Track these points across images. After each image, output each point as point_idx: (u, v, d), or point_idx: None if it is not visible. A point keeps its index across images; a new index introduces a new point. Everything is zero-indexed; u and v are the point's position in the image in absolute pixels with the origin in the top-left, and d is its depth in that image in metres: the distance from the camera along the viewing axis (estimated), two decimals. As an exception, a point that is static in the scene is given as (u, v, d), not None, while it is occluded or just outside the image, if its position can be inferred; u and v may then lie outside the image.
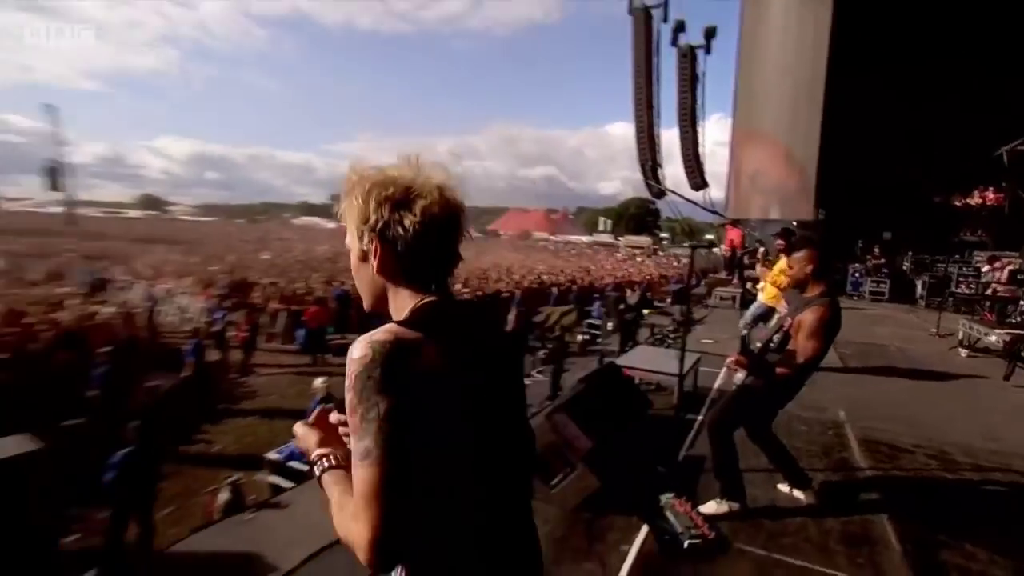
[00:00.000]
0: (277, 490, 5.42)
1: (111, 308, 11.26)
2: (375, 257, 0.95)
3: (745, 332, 5.93)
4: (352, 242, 1.00)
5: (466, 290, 17.18)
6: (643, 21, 16.04)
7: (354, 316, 12.33)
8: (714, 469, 3.06)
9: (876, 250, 15.08)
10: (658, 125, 17.02)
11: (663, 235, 69.95)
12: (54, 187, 43.87)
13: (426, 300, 0.95)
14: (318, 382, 6.81)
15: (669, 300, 13.95)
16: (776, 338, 3.01)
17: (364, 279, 1.02)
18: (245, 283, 16.50)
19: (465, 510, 0.92)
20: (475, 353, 0.96)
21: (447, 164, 1.00)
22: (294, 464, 5.70)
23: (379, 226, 0.93)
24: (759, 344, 3.13)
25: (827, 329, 2.81)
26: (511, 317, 12.90)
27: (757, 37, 17.03)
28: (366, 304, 1.04)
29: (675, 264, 37.11)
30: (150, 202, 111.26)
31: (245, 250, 28.34)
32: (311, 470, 0.98)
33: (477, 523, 0.95)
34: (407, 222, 0.91)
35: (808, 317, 2.80)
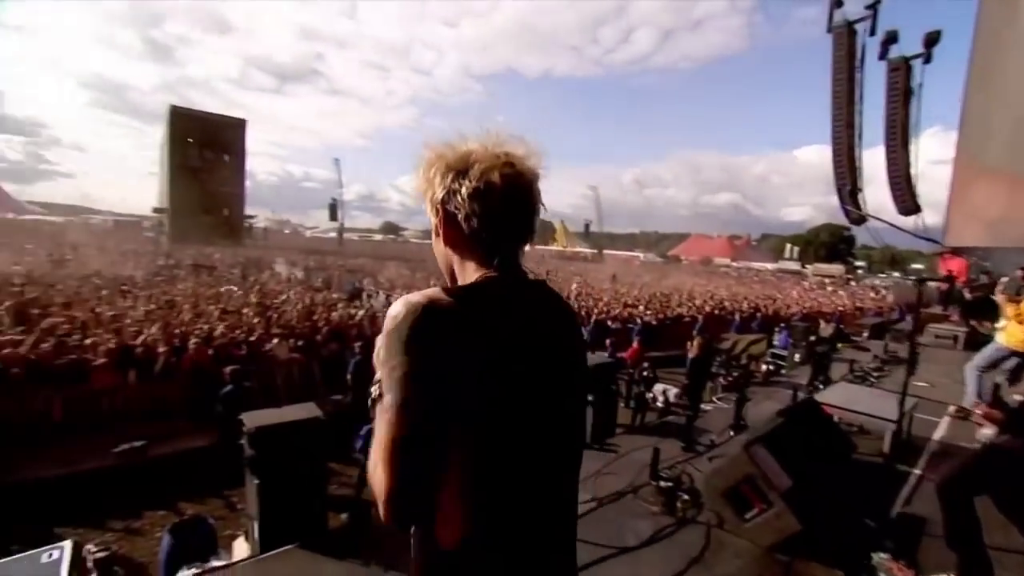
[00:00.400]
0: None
1: (362, 311, 13.74)
2: (441, 229, 0.91)
3: (975, 378, 4.73)
4: (430, 218, 0.93)
5: (648, 312, 16.74)
6: (846, 37, 14.01)
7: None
8: (946, 537, 2.46)
9: None
10: (859, 146, 14.63)
11: (858, 264, 58.78)
12: (332, 218, 55.09)
13: (484, 275, 0.87)
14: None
15: (866, 334, 11.64)
16: None
17: (439, 255, 0.96)
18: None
19: (480, 489, 0.82)
20: (516, 335, 0.84)
21: (527, 144, 0.90)
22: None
23: (442, 197, 0.87)
24: (1020, 397, 2.51)
25: None
26: (694, 342, 12.16)
27: (1001, 40, 13.49)
28: (447, 282, 0.96)
29: (872, 295, 31.49)
30: (390, 228, 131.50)
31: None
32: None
33: (493, 506, 0.83)
34: (464, 190, 0.84)
35: None
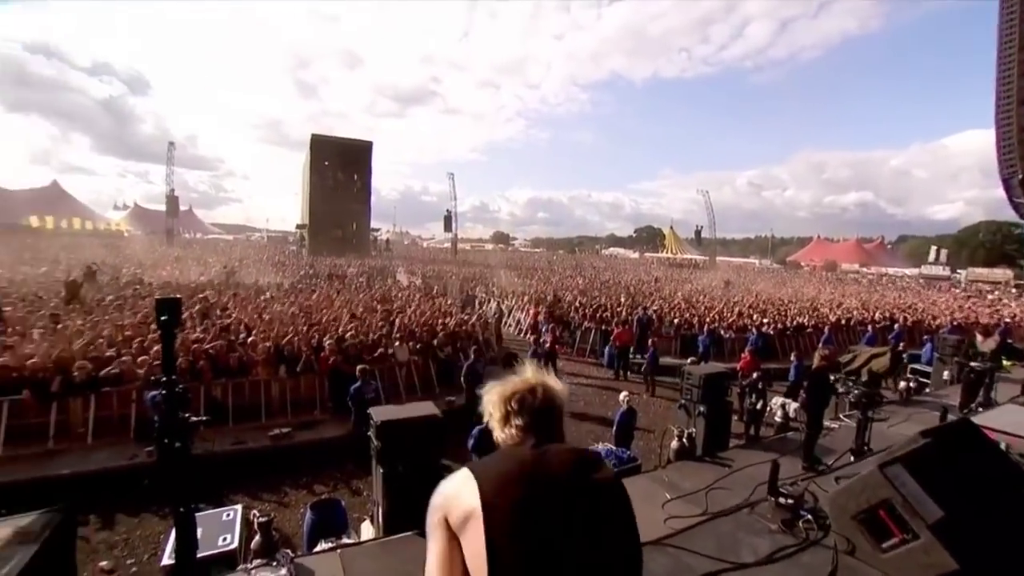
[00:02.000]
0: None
1: (474, 317, 14.41)
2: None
3: None
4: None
5: (766, 320, 15.41)
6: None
7: (651, 340, 12.50)
8: None
9: None
10: None
11: None
12: (447, 229, 58.39)
13: (513, 444, 1.23)
14: (623, 396, 7.23)
15: None
16: None
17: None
18: (558, 302, 18.55)
19: None
20: (535, 496, 1.03)
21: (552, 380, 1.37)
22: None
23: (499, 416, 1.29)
24: None
25: None
26: (817, 355, 10.91)
27: None
28: None
29: None
30: (500, 237, 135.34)
31: (564, 275, 32.09)
32: None
33: None
34: (514, 403, 1.27)
35: None
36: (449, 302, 16.90)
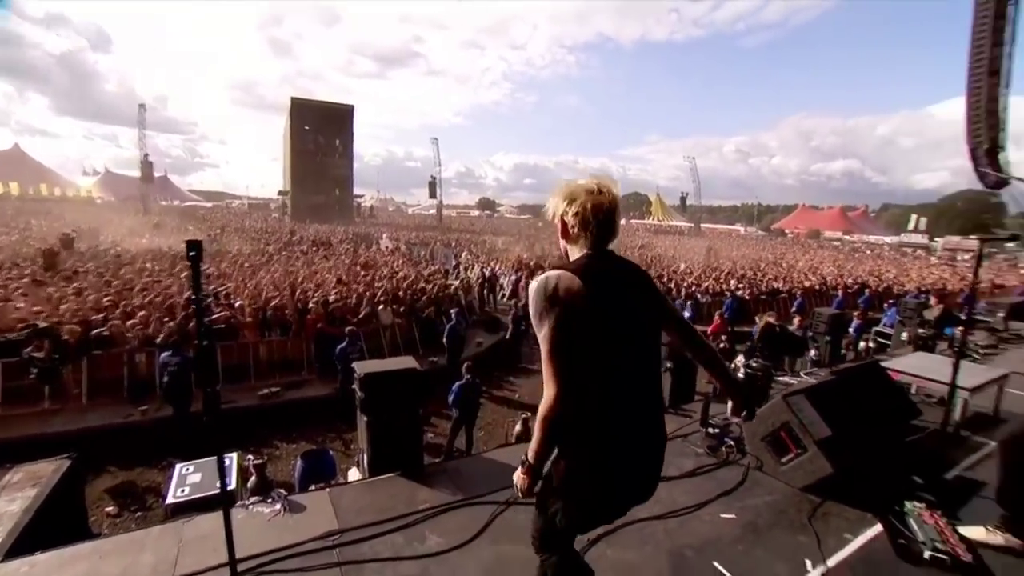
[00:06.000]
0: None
1: (457, 282, 14.68)
2: (559, 230, 1.56)
3: None
4: (556, 225, 1.59)
5: (740, 285, 15.97)
6: None
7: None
8: (997, 494, 2.50)
9: None
10: (1006, 97, 12.15)
11: (1009, 235, 49.21)
12: (432, 195, 57.66)
13: (582, 257, 1.49)
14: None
15: (1001, 314, 10.13)
16: None
17: (560, 246, 1.61)
18: (543, 267, 18.86)
19: (600, 388, 1.40)
20: (611, 281, 1.45)
21: (612, 180, 1.52)
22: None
23: (559, 213, 1.53)
24: None
25: None
26: (797, 319, 11.54)
27: None
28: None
29: (1022, 271, 27.29)
30: (486, 204, 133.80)
31: (550, 241, 32.38)
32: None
33: (610, 396, 1.41)
34: (571, 211, 1.49)
35: None
36: (434, 267, 17.10)
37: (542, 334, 1.39)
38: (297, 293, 10.56)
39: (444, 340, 9.33)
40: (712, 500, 2.87)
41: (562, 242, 1.59)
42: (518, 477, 1.54)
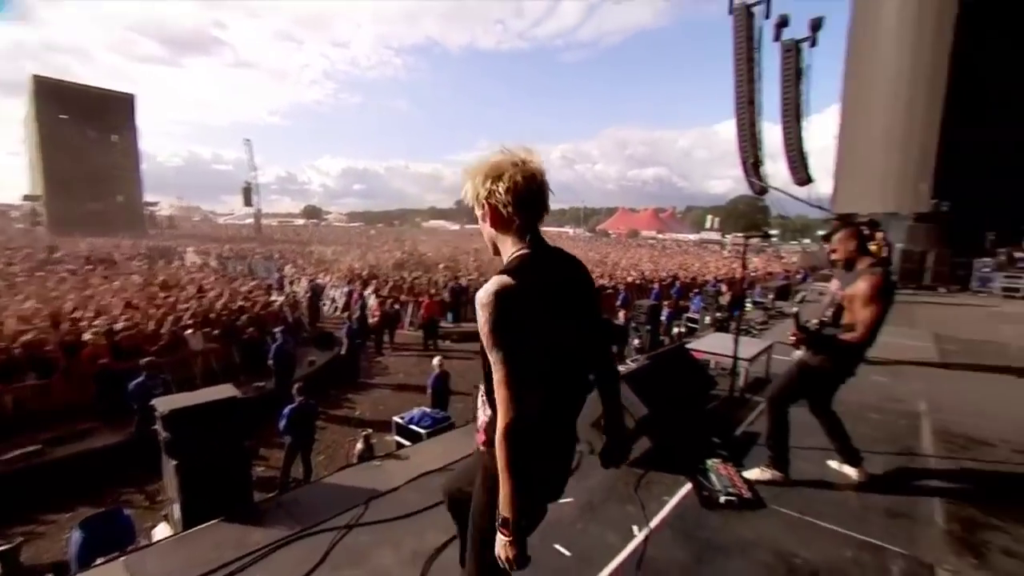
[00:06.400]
0: (400, 447, 6.27)
1: (281, 298, 13.37)
2: (488, 217, 1.33)
3: (795, 310, 5.56)
4: (476, 212, 1.37)
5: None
6: (744, 18, 15.31)
7: (468, 309, 13.29)
8: (766, 439, 3.13)
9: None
10: (760, 122, 16.11)
11: (773, 232, 64.66)
12: (247, 203, 51.44)
13: (521, 251, 1.30)
14: (436, 360, 7.65)
15: (772, 296, 13.09)
16: (829, 313, 2.98)
17: (485, 234, 1.40)
18: (378, 277, 18.29)
19: (549, 388, 1.30)
20: (555, 286, 1.31)
21: (530, 149, 1.32)
22: (414, 427, 6.53)
23: (484, 195, 1.30)
24: (814, 320, 3.06)
25: (882, 295, 2.75)
26: (621, 313, 13.07)
27: (868, 24, 15.36)
28: (491, 252, 1.42)
29: (784, 261, 35.11)
30: (312, 211, 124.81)
31: (383, 250, 31.39)
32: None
33: (554, 398, 1.34)
34: (501, 189, 1.27)
35: (861, 286, 2.77)
36: (253, 283, 15.32)
37: (495, 356, 1.21)
38: (64, 324, 8.46)
39: (270, 362, 8.42)
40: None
41: (489, 231, 1.37)
42: (503, 547, 1.27)
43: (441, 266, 20.85)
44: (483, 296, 1.21)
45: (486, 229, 1.38)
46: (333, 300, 16.43)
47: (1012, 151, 12.96)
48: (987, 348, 6.86)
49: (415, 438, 6.21)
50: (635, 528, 2.64)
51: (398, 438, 6.67)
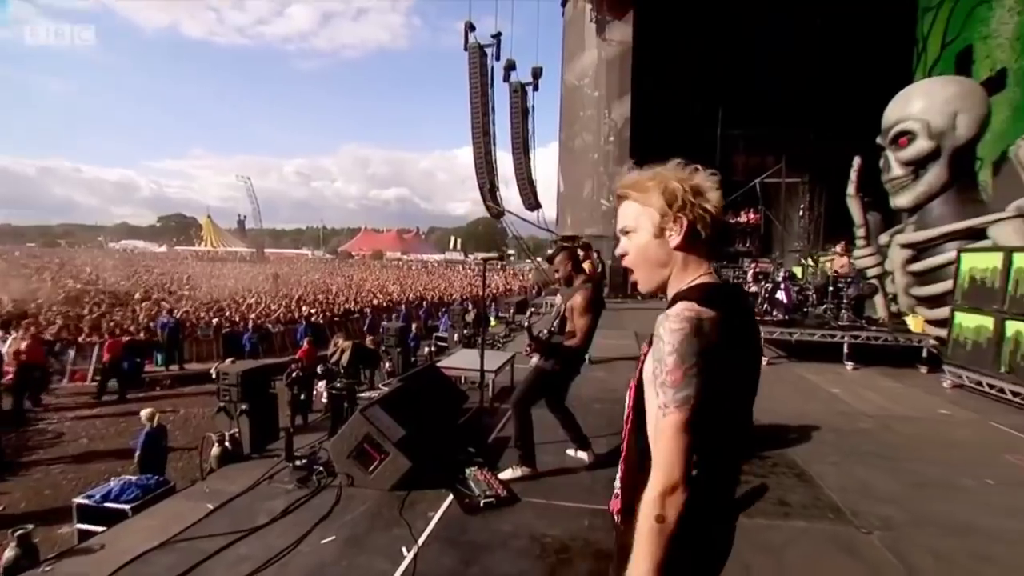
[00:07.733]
0: (86, 537, 4.67)
1: None
2: (680, 232, 1.10)
3: (527, 323, 6.61)
4: (643, 224, 1.14)
5: (314, 311, 16.34)
6: (478, 57, 16.99)
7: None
8: (513, 442, 3.55)
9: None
10: (494, 151, 18.20)
11: (510, 252, 73.74)
12: None
13: (708, 279, 1.11)
14: (144, 413, 6.05)
15: (512, 311, 14.76)
16: (555, 323, 3.61)
17: (653, 254, 1.15)
18: (31, 315, 13.61)
19: (724, 448, 1.07)
20: (746, 332, 1.11)
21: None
22: (111, 505, 4.98)
23: (687, 207, 1.09)
24: (544, 330, 3.67)
25: (593, 306, 3.42)
26: (369, 338, 12.64)
27: (574, 76, 19.36)
28: (644, 277, 1.18)
29: (521, 278, 39.52)
30: None
31: (40, 277, 23.50)
32: None
33: (731, 466, 1.16)
34: (707, 207, 1.10)
35: (577, 299, 3.40)
36: None
37: (673, 395, 0.96)
38: None
39: None
40: (311, 530, 2.87)
41: (661, 248, 1.13)
42: None
43: (138, 295, 16.84)
44: (676, 319, 1.00)
45: (654, 249, 1.15)
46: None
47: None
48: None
49: (116, 518, 4.75)
50: (404, 549, 2.68)
51: (83, 526, 5.00)
